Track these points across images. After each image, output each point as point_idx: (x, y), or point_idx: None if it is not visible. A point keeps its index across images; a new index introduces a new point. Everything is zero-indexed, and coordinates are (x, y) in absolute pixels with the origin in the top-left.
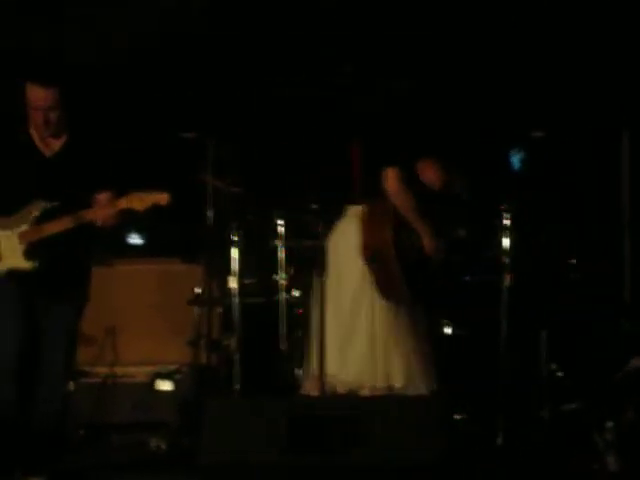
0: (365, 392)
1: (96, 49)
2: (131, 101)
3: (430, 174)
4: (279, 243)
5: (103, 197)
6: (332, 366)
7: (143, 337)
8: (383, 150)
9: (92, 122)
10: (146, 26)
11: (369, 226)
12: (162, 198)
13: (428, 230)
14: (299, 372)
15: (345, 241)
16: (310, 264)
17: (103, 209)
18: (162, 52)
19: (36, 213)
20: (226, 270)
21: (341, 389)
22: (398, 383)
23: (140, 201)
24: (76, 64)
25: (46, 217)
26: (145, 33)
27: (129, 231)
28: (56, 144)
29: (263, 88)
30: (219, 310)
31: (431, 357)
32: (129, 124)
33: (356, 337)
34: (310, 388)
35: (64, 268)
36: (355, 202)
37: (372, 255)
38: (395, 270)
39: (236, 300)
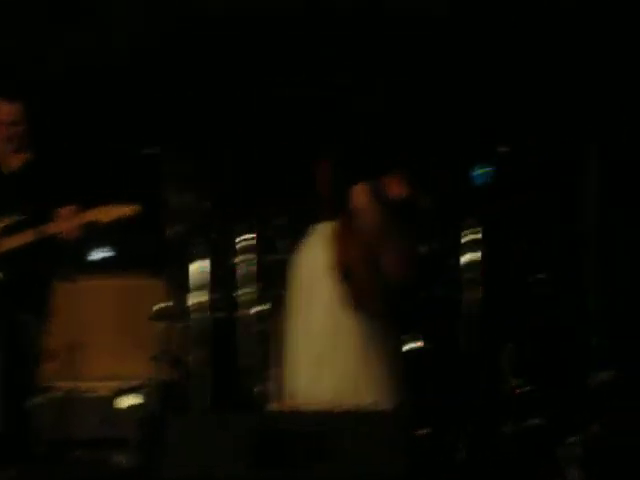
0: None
1: (60, 65)
2: (94, 117)
3: (396, 189)
4: (243, 258)
5: (65, 211)
6: (308, 384)
7: (106, 352)
8: (352, 167)
9: (54, 138)
10: (110, 43)
11: (340, 243)
12: (130, 210)
13: (397, 252)
14: (262, 388)
15: (314, 259)
16: (275, 279)
17: (66, 222)
18: (125, 67)
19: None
20: (190, 285)
21: (321, 406)
22: (372, 399)
23: (106, 213)
24: (38, 80)
25: (9, 231)
26: (109, 50)
27: (93, 246)
28: (17, 160)
29: (229, 102)
30: (182, 325)
31: (400, 373)
32: (92, 140)
33: (334, 354)
34: (280, 405)
35: (26, 282)
36: (322, 219)
37: (345, 272)
38: (369, 285)
39: (200, 315)
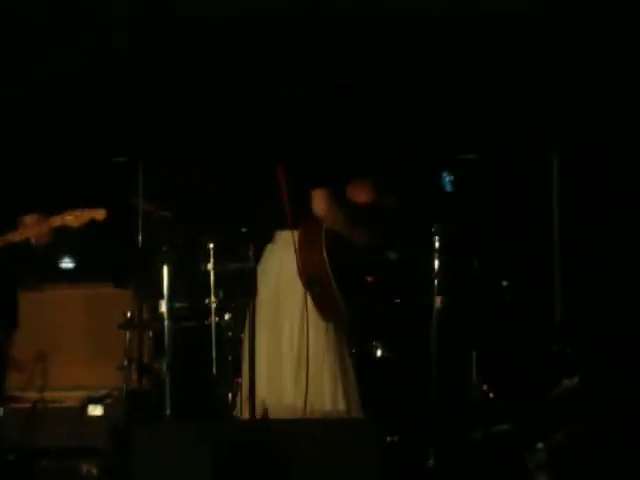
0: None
1: (33, 76)
2: (63, 124)
3: (362, 195)
4: (209, 266)
5: (29, 218)
6: (272, 391)
7: (74, 362)
8: (309, 172)
9: (18, 146)
10: (80, 52)
11: (303, 251)
12: (99, 213)
13: (364, 235)
14: (232, 396)
15: (278, 267)
16: (241, 287)
17: (34, 228)
18: (98, 78)
19: None
20: (157, 294)
21: (289, 414)
22: (341, 406)
23: (75, 218)
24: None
25: None
26: (79, 58)
27: (59, 255)
28: None
29: (194, 111)
30: (150, 334)
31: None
32: (61, 148)
33: (300, 361)
34: (246, 413)
35: None
36: (285, 227)
37: (310, 279)
38: (334, 291)
39: (167, 324)
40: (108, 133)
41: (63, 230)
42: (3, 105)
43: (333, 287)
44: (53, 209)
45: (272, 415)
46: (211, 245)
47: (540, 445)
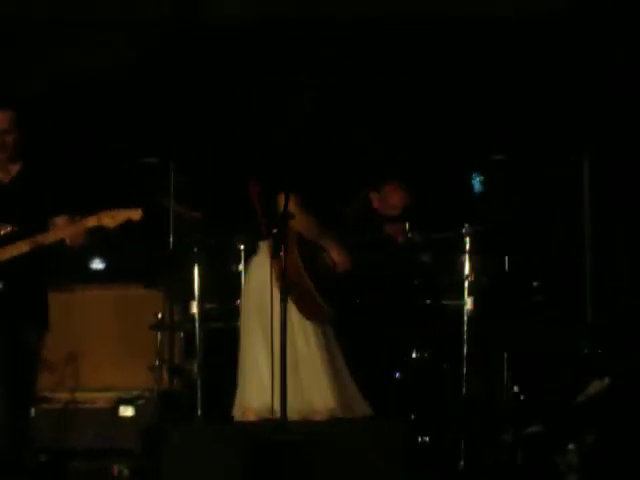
0: (318, 417)
1: (60, 74)
2: (93, 125)
3: (395, 198)
4: (240, 267)
5: (60, 220)
6: (264, 394)
7: (105, 363)
8: (275, 179)
9: (49, 146)
10: (111, 52)
11: (276, 257)
12: (135, 214)
13: (335, 244)
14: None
15: (262, 275)
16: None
17: (70, 229)
18: (126, 78)
19: None
20: (188, 295)
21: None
22: (331, 405)
23: (111, 218)
24: (38, 89)
25: (5, 241)
26: (109, 59)
27: (91, 256)
28: (13, 169)
29: (225, 113)
30: (181, 335)
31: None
32: (92, 149)
33: (299, 365)
34: (246, 416)
35: (23, 293)
36: (264, 236)
37: (287, 285)
38: (312, 292)
39: (197, 325)
40: (140, 134)
41: (98, 231)
42: (34, 105)
43: (311, 288)
44: (85, 211)
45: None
46: (242, 246)
47: (571, 446)
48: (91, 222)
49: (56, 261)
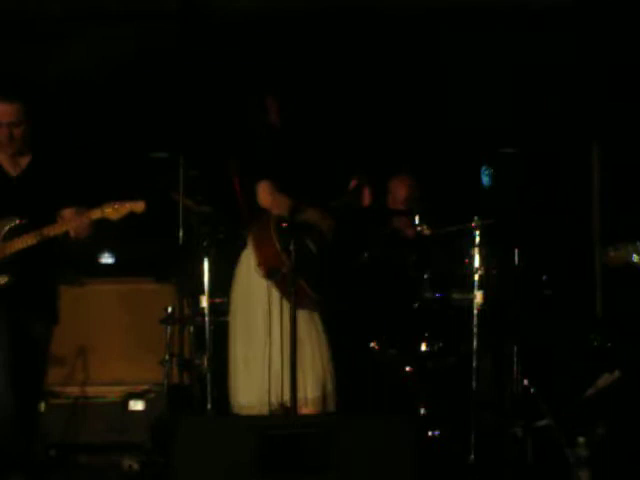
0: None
1: (70, 68)
2: (103, 119)
3: (402, 191)
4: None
5: (68, 212)
6: (250, 384)
7: (115, 357)
8: (250, 169)
9: (58, 139)
10: (120, 46)
11: (257, 245)
12: (138, 206)
13: (317, 214)
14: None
15: (247, 267)
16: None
17: (70, 222)
18: (135, 71)
19: (5, 229)
20: (197, 289)
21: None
22: (316, 393)
23: (115, 211)
24: (47, 82)
25: (14, 234)
26: (118, 53)
27: (100, 250)
28: (22, 162)
29: (234, 107)
30: (191, 329)
31: (331, 367)
32: (101, 143)
33: (274, 353)
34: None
35: (32, 286)
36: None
37: (269, 271)
38: (294, 279)
39: (207, 319)
40: (149, 128)
41: (102, 223)
42: (44, 97)
43: (292, 275)
44: (92, 204)
45: (256, 412)
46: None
47: (581, 439)
48: (95, 214)
49: (66, 255)
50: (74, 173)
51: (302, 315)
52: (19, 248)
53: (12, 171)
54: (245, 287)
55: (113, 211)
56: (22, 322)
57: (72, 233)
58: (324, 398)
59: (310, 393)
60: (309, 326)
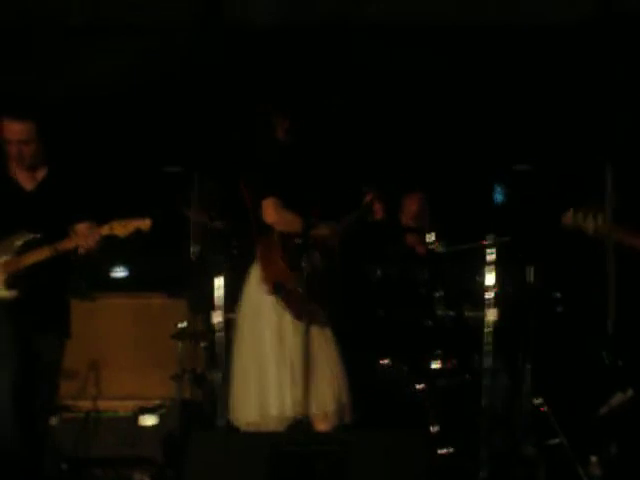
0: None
1: (82, 84)
2: (116, 135)
3: (414, 207)
4: None
5: (82, 227)
6: (257, 398)
7: (127, 371)
8: (257, 185)
9: (72, 154)
10: (130, 61)
11: (262, 260)
12: (144, 224)
13: (326, 230)
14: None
15: (257, 282)
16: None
17: (82, 237)
18: (147, 86)
19: (18, 243)
20: (210, 304)
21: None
22: (331, 407)
23: (122, 227)
24: (61, 98)
25: (27, 248)
26: (130, 68)
27: (113, 265)
28: (38, 176)
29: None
30: (203, 344)
31: (344, 379)
32: (114, 158)
33: (281, 367)
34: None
35: (44, 300)
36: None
37: (274, 286)
38: (299, 293)
39: (220, 334)
40: (163, 142)
41: (110, 239)
42: (56, 111)
43: (297, 290)
44: (107, 217)
45: (260, 428)
46: None
47: (594, 458)
48: (105, 230)
49: (78, 269)
50: (88, 187)
51: (314, 330)
52: (32, 262)
53: (27, 186)
54: (254, 302)
55: (121, 228)
56: (33, 336)
57: (81, 249)
58: (340, 411)
59: (326, 407)
60: (320, 341)
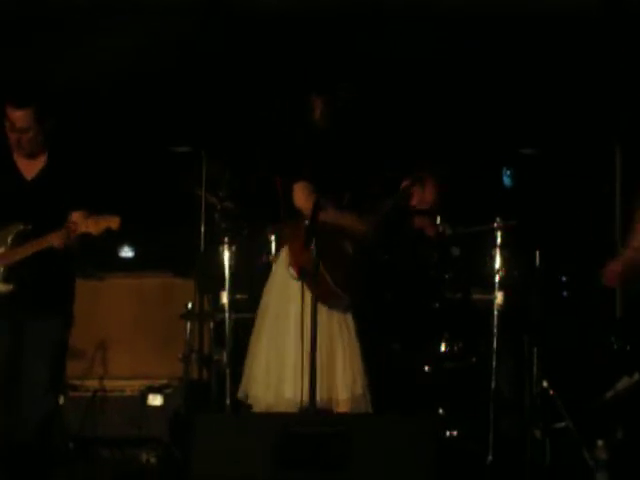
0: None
1: (90, 66)
2: (125, 116)
3: (426, 192)
4: (270, 258)
5: (77, 215)
6: (276, 382)
7: (133, 351)
8: (290, 169)
9: (73, 141)
10: (142, 40)
11: (291, 245)
12: (113, 222)
13: (352, 218)
14: None
15: (286, 262)
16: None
17: (55, 236)
18: (157, 68)
19: (12, 236)
20: (218, 285)
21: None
22: (342, 395)
23: (95, 224)
24: (73, 81)
25: (20, 240)
26: (141, 46)
27: (120, 244)
28: (38, 164)
29: (257, 103)
30: (211, 325)
31: (366, 368)
32: (123, 139)
33: (303, 353)
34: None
35: (41, 287)
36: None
37: (301, 271)
38: (325, 279)
39: (228, 315)
40: (172, 123)
41: (123, 216)
42: (66, 97)
43: (323, 275)
44: (108, 203)
45: (272, 409)
46: (272, 237)
47: (600, 442)
48: (79, 229)
49: (86, 249)
50: (88, 175)
51: (336, 316)
52: (26, 254)
53: (27, 174)
54: (281, 284)
55: (94, 225)
56: (30, 325)
57: (59, 245)
58: (356, 399)
59: (340, 395)
60: (341, 327)
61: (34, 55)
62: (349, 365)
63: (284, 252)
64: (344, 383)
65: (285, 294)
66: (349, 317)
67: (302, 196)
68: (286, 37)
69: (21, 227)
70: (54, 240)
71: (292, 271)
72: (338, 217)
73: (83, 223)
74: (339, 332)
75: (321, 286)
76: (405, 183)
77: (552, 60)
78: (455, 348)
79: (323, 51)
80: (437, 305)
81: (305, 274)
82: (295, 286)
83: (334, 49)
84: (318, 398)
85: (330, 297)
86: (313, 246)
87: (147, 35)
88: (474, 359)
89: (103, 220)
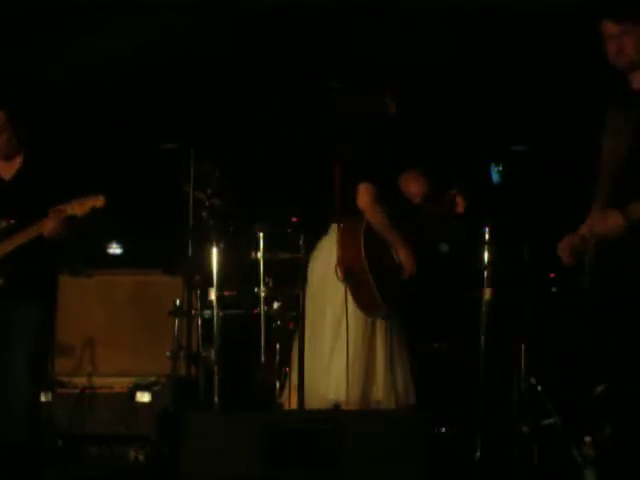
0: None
1: (81, 62)
2: (113, 112)
3: (413, 187)
4: (259, 255)
5: (56, 209)
6: (319, 383)
7: (122, 348)
8: (358, 166)
9: (52, 136)
10: (130, 39)
11: (342, 243)
12: (98, 201)
13: (405, 248)
14: (277, 384)
15: (328, 258)
16: (289, 277)
17: (46, 223)
18: (145, 64)
19: None
20: (206, 282)
21: (325, 405)
22: (378, 398)
23: (80, 206)
24: (57, 75)
25: (7, 234)
26: (128, 46)
27: (108, 241)
28: (15, 164)
29: (248, 100)
30: (199, 322)
31: (411, 372)
32: (112, 135)
33: (338, 354)
34: (291, 402)
35: (23, 280)
36: (336, 220)
37: (347, 271)
38: (369, 286)
39: (216, 312)
40: (160, 119)
41: (111, 212)
42: (55, 90)
43: (369, 282)
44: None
45: (309, 405)
46: (261, 234)
47: (588, 439)
48: (65, 212)
49: (74, 245)
50: (65, 170)
51: (379, 321)
52: (10, 249)
53: (5, 175)
54: (322, 278)
55: (79, 207)
56: (14, 316)
57: (46, 234)
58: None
59: (378, 397)
60: (384, 332)
61: (23, 53)
62: (390, 365)
63: (328, 247)
64: (384, 387)
65: (324, 291)
66: (391, 322)
67: (367, 198)
68: (285, 36)
69: (4, 224)
70: (43, 228)
71: (338, 270)
72: (391, 233)
73: (68, 207)
74: (380, 338)
75: (364, 292)
76: (452, 192)
77: (543, 56)
78: (444, 345)
79: (324, 47)
80: (426, 302)
81: (350, 276)
82: (337, 285)
83: (333, 47)
84: (360, 398)
85: (369, 305)
86: (366, 250)
87: (139, 33)
88: (463, 356)
89: (87, 200)
